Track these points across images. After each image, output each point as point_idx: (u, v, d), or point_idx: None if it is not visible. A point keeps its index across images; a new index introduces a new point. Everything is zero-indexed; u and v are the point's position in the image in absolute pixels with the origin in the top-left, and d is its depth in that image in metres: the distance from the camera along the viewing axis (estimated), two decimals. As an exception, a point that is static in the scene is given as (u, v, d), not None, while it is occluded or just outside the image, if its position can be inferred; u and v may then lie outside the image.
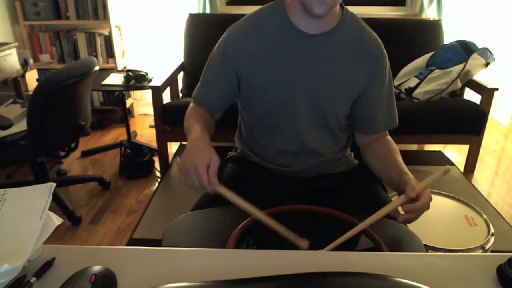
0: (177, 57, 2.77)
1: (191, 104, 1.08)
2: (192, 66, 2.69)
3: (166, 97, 2.51)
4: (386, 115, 1.04)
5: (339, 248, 0.73)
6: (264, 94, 1.00)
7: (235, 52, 0.98)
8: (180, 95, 2.76)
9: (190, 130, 0.91)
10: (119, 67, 3.05)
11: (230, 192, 0.79)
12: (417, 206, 0.79)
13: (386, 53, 1.01)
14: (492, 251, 1.26)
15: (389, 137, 1.06)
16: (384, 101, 1.03)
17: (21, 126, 1.78)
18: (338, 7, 0.95)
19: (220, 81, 1.03)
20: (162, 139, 2.43)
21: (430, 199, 0.81)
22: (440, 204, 1.47)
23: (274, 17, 0.97)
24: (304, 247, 0.74)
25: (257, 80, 0.99)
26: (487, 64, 2.42)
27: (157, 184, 2.35)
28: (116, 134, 3.09)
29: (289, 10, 0.95)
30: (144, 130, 3.19)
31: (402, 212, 0.82)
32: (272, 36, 0.96)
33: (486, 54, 2.43)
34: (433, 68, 2.48)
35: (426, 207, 0.80)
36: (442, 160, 2.71)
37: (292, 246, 0.74)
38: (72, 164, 2.59)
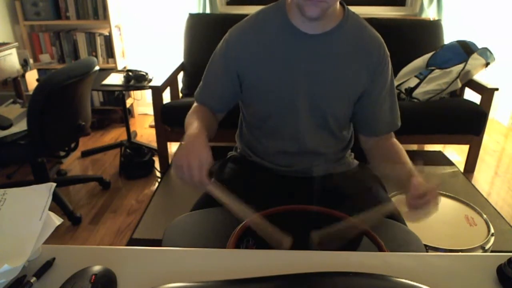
0: (177, 57, 2.77)
1: (194, 104, 1.08)
2: (192, 66, 2.69)
3: (166, 97, 2.52)
4: (389, 116, 1.04)
5: (339, 248, 0.73)
6: (264, 94, 1.00)
7: (237, 53, 0.98)
8: (180, 95, 2.76)
9: (189, 127, 0.91)
10: (119, 67, 3.05)
11: (220, 192, 0.79)
12: (419, 203, 0.78)
13: (388, 53, 1.00)
14: (492, 251, 1.26)
15: (395, 140, 1.06)
16: (387, 102, 1.03)
17: (21, 126, 1.78)
18: (338, 7, 0.95)
19: (221, 82, 1.03)
20: (162, 139, 2.43)
21: (435, 199, 0.79)
22: (440, 204, 1.47)
23: (275, 18, 0.97)
24: (286, 247, 0.73)
25: (258, 80, 0.99)
26: (487, 64, 2.42)
27: (157, 184, 2.35)
28: (116, 134, 3.09)
29: (289, 10, 0.95)
30: (144, 130, 3.19)
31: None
32: (273, 36, 0.96)
33: (486, 54, 2.43)
34: (433, 68, 2.48)
35: (431, 205, 0.78)
36: (442, 160, 2.71)
37: (292, 247, 0.74)
38: (72, 164, 2.59)
